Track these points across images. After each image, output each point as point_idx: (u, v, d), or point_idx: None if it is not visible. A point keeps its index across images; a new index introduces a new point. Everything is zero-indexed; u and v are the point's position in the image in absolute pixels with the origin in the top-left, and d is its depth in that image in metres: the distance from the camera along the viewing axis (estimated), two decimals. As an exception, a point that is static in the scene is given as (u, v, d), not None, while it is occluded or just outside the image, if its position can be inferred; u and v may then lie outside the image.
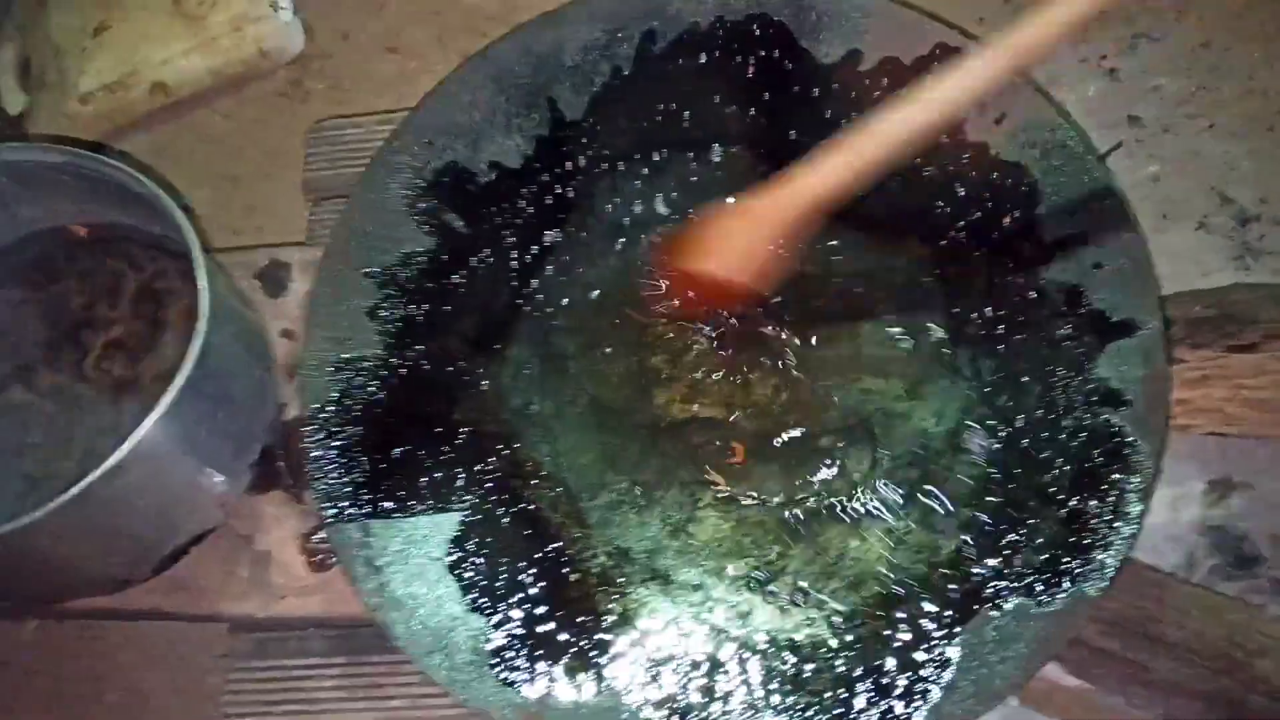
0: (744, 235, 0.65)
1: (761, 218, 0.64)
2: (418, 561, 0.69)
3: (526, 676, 0.66)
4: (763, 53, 0.79)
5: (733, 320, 0.77)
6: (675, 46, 0.79)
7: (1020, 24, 0.57)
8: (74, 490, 0.58)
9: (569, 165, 0.81)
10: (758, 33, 0.78)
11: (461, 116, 0.78)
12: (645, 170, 0.82)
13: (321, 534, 0.75)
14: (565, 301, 0.80)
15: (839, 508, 0.73)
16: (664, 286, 0.76)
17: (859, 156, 0.60)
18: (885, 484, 0.73)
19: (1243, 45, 0.98)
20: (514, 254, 0.80)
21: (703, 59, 0.79)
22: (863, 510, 0.73)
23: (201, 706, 0.81)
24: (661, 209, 0.82)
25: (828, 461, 0.74)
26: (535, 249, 0.80)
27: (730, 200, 0.66)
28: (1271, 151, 0.94)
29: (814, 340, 0.77)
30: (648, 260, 0.79)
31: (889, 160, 0.59)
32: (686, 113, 0.81)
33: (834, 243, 0.80)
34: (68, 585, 0.73)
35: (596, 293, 0.80)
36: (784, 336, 0.77)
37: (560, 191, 0.81)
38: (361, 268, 0.75)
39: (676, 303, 0.75)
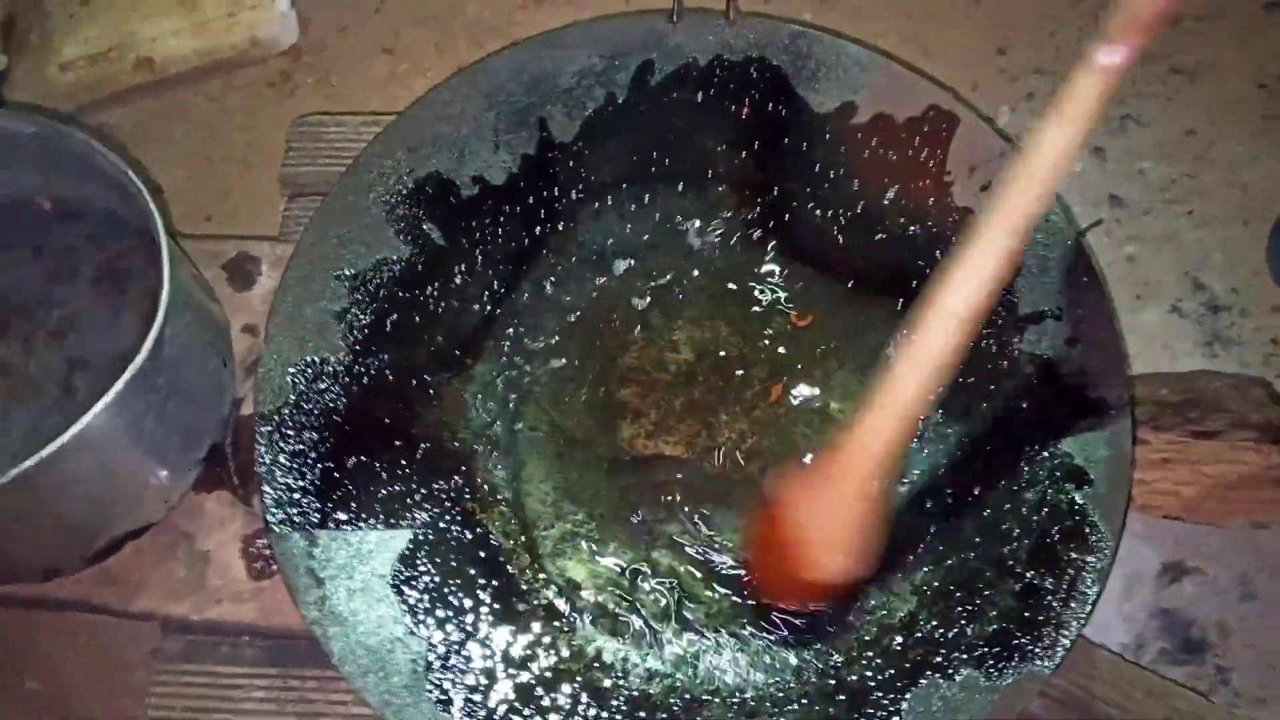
0: (831, 514, 0.58)
1: (842, 488, 0.57)
2: (362, 577, 0.67)
3: (464, 706, 0.64)
4: (758, 96, 0.78)
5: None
6: (672, 80, 0.78)
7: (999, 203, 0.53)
8: (10, 474, 0.56)
9: (554, 187, 0.80)
10: (755, 75, 0.78)
11: (449, 127, 0.76)
12: (630, 200, 0.81)
13: (265, 540, 0.73)
14: (538, 324, 0.79)
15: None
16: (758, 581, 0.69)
17: (913, 395, 0.55)
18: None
19: (1228, 137, 1.00)
20: (490, 271, 0.79)
21: (698, 95, 0.79)
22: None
23: (124, 703, 0.79)
24: (644, 240, 0.81)
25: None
26: (512, 268, 0.79)
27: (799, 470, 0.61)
28: (1246, 244, 0.96)
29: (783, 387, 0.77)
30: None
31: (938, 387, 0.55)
32: (677, 147, 0.80)
33: (814, 294, 0.80)
34: (-6, 569, 0.70)
35: (571, 318, 0.80)
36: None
37: (543, 213, 0.80)
38: (332, 269, 0.73)
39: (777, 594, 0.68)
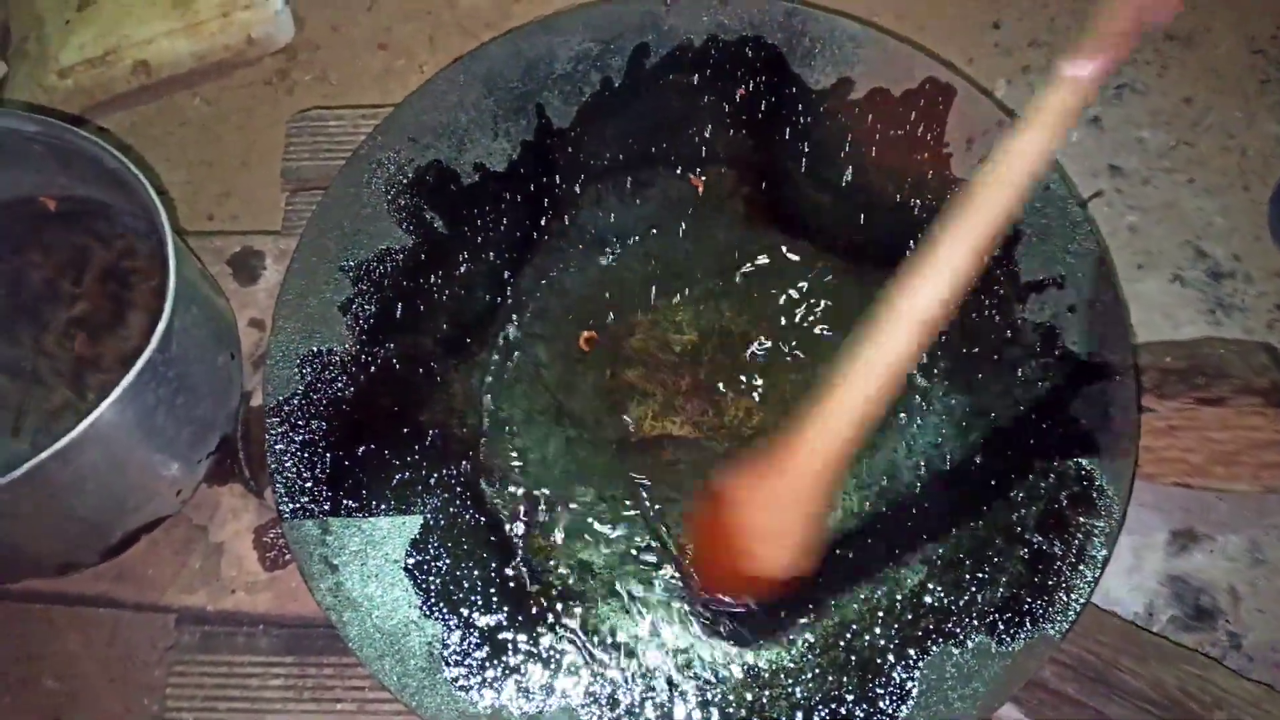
0: (773, 511, 0.59)
1: (787, 486, 0.58)
2: (375, 562, 0.67)
3: (479, 686, 0.65)
4: (754, 75, 0.79)
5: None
6: (668, 62, 0.79)
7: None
8: (24, 468, 0.56)
9: (554, 173, 0.80)
10: (750, 55, 0.78)
11: (448, 116, 0.77)
12: (630, 183, 0.82)
13: (278, 529, 0.73)
14: (542, 309, 0.79)
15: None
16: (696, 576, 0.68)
17: (863, 400, 0.56)
18: (852, 513, 0.73)
19: (1224, 103, 1.00)
20: (493, 258, 0.79)
21: (694, 77, 0.79)
22: (828, 537, 0.72)
23: (141, 697, 0.79)
24: (644, 223, 0.82)
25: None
26: (515, 254, 0.80)
27: (747, 473, 0.60)
28: (1247, 209, 0.96)
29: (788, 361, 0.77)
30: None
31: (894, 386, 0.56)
32: (675, 129, 0.81)
33: (816, 268, 0.80)
34: (12, 566, 0.71)
35: (575, 302, 0.80)
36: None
37: (543, 198, 0.80)
38: (336, 261, 0.74)
39: (717, 587, 0.68)
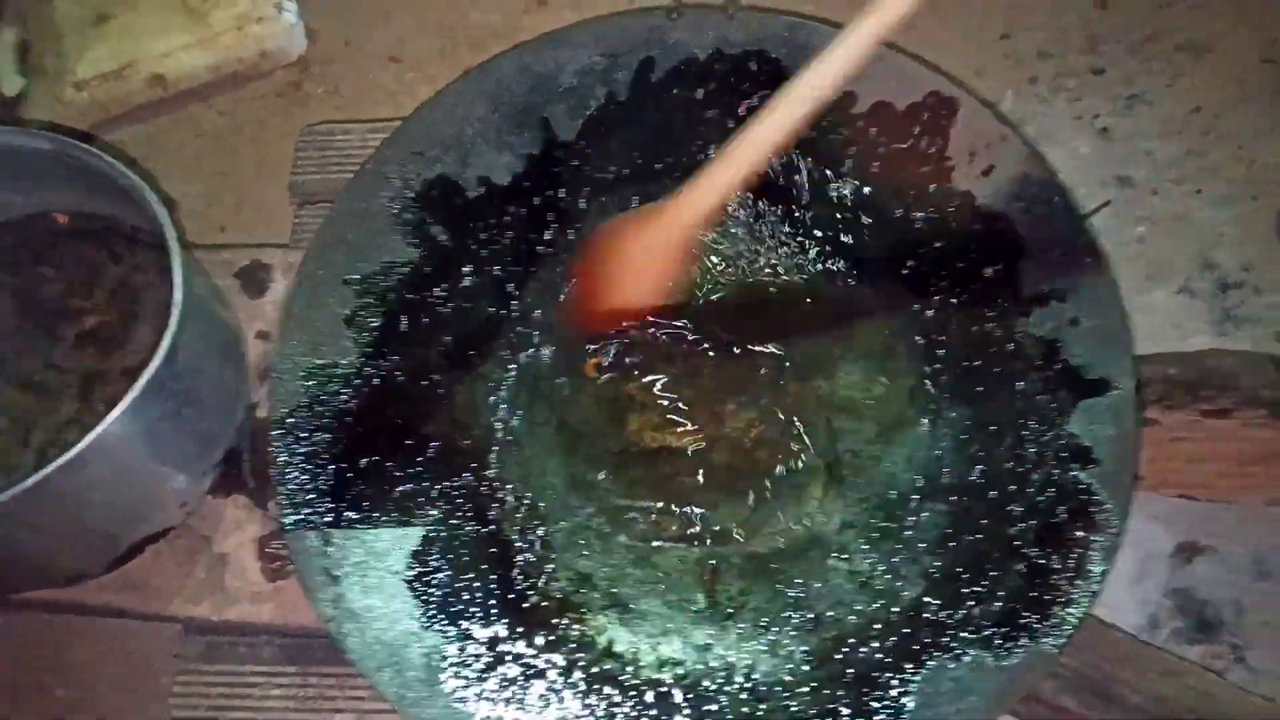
0: (644, 252, 0.69)
1: (659, 233, 0.68)
2: (377, 574, 0.68)
3: (478, 698, 0.65)
4: (759, 88, 0.79)
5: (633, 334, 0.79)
6: (672, 76, 0.79)
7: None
8: (32, 480, 0.57)
9: (559, 186, 0.81)
10: (755, 68, 0.79)
11: (453, 129, 0.78)
12: (634, 196, 0.82)
13: (280, 540, 0.74)
14: (544, 322, 0.80)
15: (804, 547, 0.73)
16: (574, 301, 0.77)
17: (741, 165, 0.64)
18: (851, 526, 0.73)
19: (1233, 114, 0.99)
20: (497, 271, 0.80)
21: (699, 90, 0.80)
22: (828, 550, 0.73)
23: (150, 705, 0.80)
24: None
25: (796, 500, 0.74)
26: (518, 267, 0.80)
27: (628, 214, 0.72)
28: (1256, 220, 0.95)
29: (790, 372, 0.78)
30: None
31: (766, 161, 0.65)
32: (679, 142, 0.81)
33: (818, 283, 0.81)
34: (21, 577, 0.72)
35: (577, 315, 0.80)
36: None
37: (548, 211, 0.81)
38: (341, 274, 0.75)
39: (584, 316, 0.76)
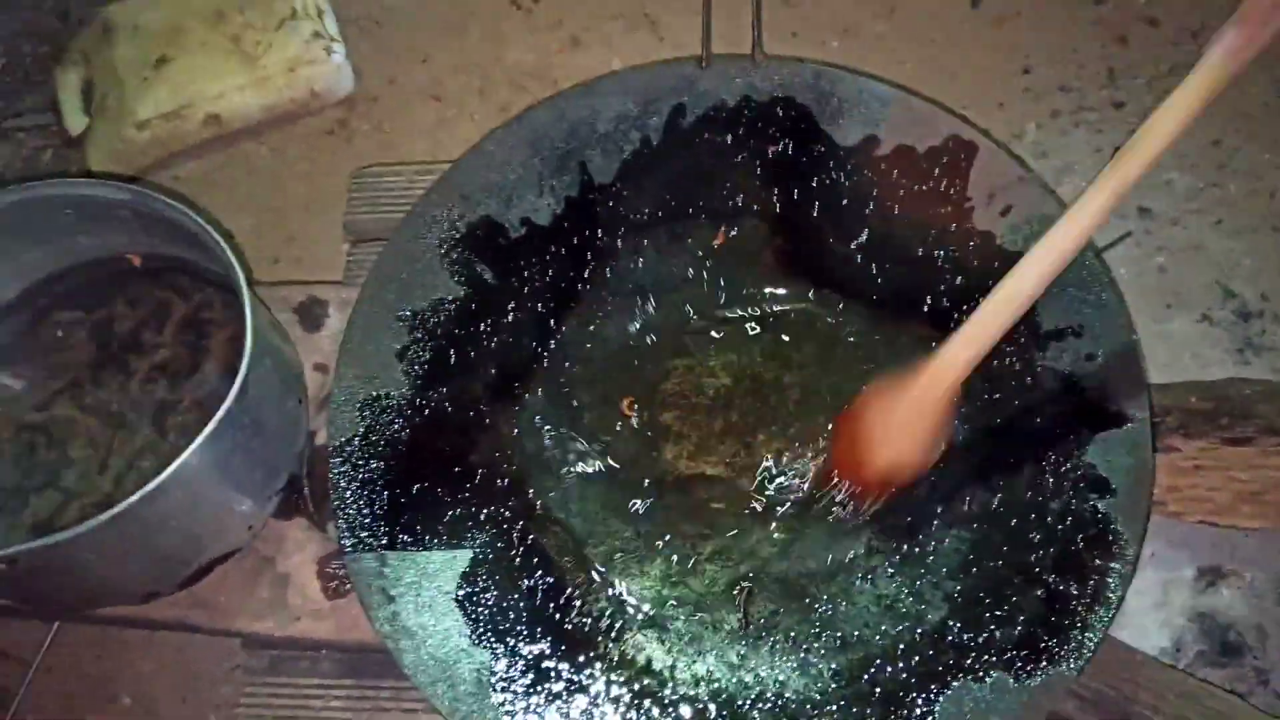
0: (906, 419, 0.69)
1: (919, 398, 0.68)
2: (429, 594, 0.71)
3: (524, 711, 0.68)
4: (785, 133, 0.82)
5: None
6: (702, 121, 0.82)
7: (1111, 168, 0.62)
8: (117, 508, 0.61)
9: (596, 226, 0.84)
10: (781, 114, 0.82)
11: (496, 175, 0.81)
12: (666, 234, 0.85)
13: (339, 561, 0.78)
14: (584, 355, 0.83)
15: (832, 571, 0.76)
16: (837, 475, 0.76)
17: (991, 327, 0.64)
18: (879, 550, 0.76)
19: (1252, 146, 1.01)
20: (539, 306, 0.83)
21: (728, 135, 0.83)
22: (855, 574, 0.76)
23: (212, 715, 0.84)
24: (680, 272, 0.85)
25: (824, 525, 0.77)
26: (558, 303, 0.84)
27: (885, 382, 0.71)
28: (1276, 250, 0.97)
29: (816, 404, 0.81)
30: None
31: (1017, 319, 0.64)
32: (709, 184, 0.84)
33: (841, 317, 0.84)
34: (97, 596, 0.76)
35: (614, 348, 0.84)
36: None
37: (586, 250, 0.84)
38: (394, 310, 0.78)
39: (849, 486, 0.76)
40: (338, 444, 0.74)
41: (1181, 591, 0.84)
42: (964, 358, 0.66)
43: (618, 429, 0.81)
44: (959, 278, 0.80)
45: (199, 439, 0.63)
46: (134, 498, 0.61)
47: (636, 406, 0.81)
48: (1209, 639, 0.82)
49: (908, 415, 0.69)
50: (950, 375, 0.67)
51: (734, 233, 0.85)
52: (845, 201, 0.82)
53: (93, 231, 0.79)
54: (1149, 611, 0.83)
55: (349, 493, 0.73)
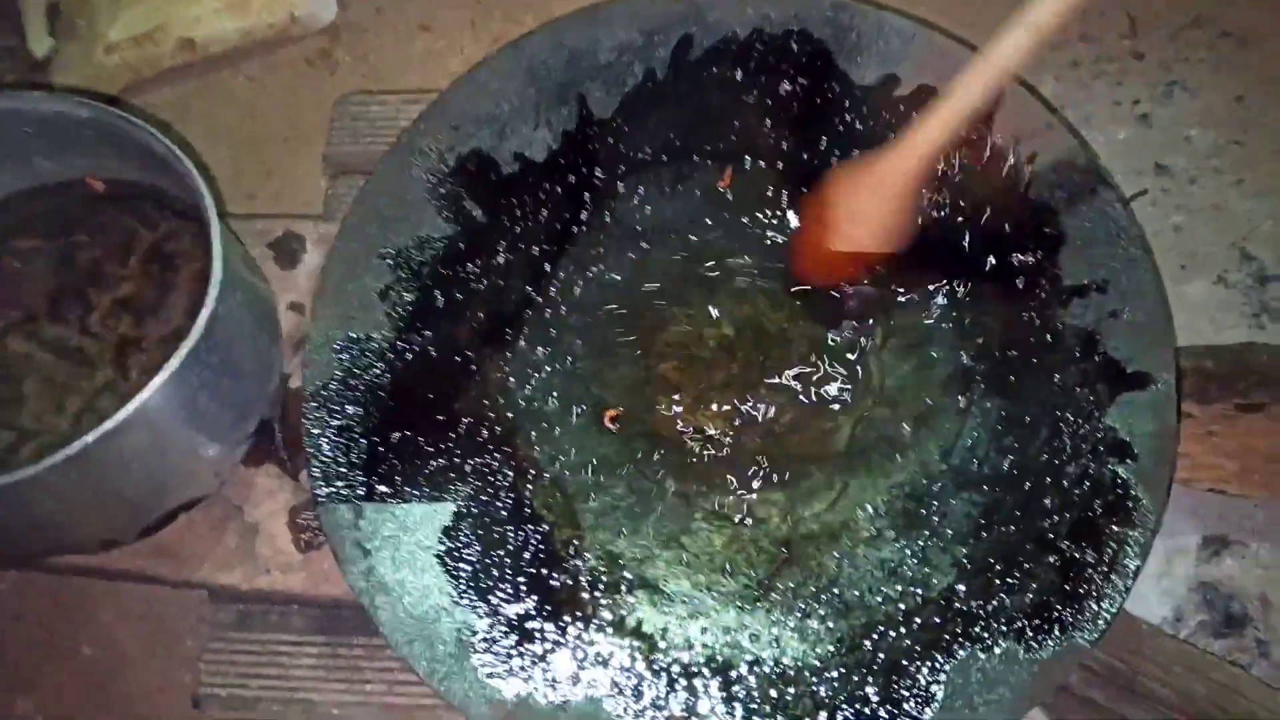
0: (871, 199, 0.69)
1: (885, 178, 0.68)
2: (408, 548, 0.68)
3: (506, 674, 0.66)
4: (799, 70, 0.78)
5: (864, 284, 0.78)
6: (711, 55, 0.79)
7: None
8: (73, 447, 0.57)
9: (594, 164, 0.80)
10: (795, 49, 0.78)
11: (490, 105, 0.77)
12: (669, 175, 0.82)
13: (312, 512, 0.75)
14: (579, 300, 0.80)
15: (835, 533, 0.73)
16: (799, 255, 0.77)
17: (968, 102, 0.64)
18: (883, 513, 0.73)
19: (1276, 105, 0.98)
20: (531, 248, 0.79)
21: (738, 70, 0.79)
22: (858, 537, 0.73)
23: (177, 669, 0.81)
24: (682, 216, 0.82)
25: (827, 486, 0.74)
26: (553, 245, 0.80)
27: (850, 162, 0.72)
28: (1297, 214, 0.94)
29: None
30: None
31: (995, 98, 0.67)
32: (716, 122, 0.81)
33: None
34: (54, 542, 0.73)
35: (611, 294, 0.80)
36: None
37: (584, 189, 0.81)
38: (376, 248, 0.74)
39: (811, 270, 0.77)
40: (314, 388, 0.71)
41: (1186, 560, 0.82)
42: (929, 148, 0.67)
43: (613, 380, 0.78)
44: (980, 227, 0.76)
45: (161, 375, 0.59)
46: (91, 436, 0.57)
47: (619, 421, 0.77)
48: (1211, 610, 0.81)
49: (875, 190, 0.69)
50: (915, 161, 0.67)
51: (742, 174, 0.81)
52: (861, 145, 0.78)
53: (50, 153, 0.74)
54: (1150, 580, 0.81)
55: (324, 439, 0.70)
